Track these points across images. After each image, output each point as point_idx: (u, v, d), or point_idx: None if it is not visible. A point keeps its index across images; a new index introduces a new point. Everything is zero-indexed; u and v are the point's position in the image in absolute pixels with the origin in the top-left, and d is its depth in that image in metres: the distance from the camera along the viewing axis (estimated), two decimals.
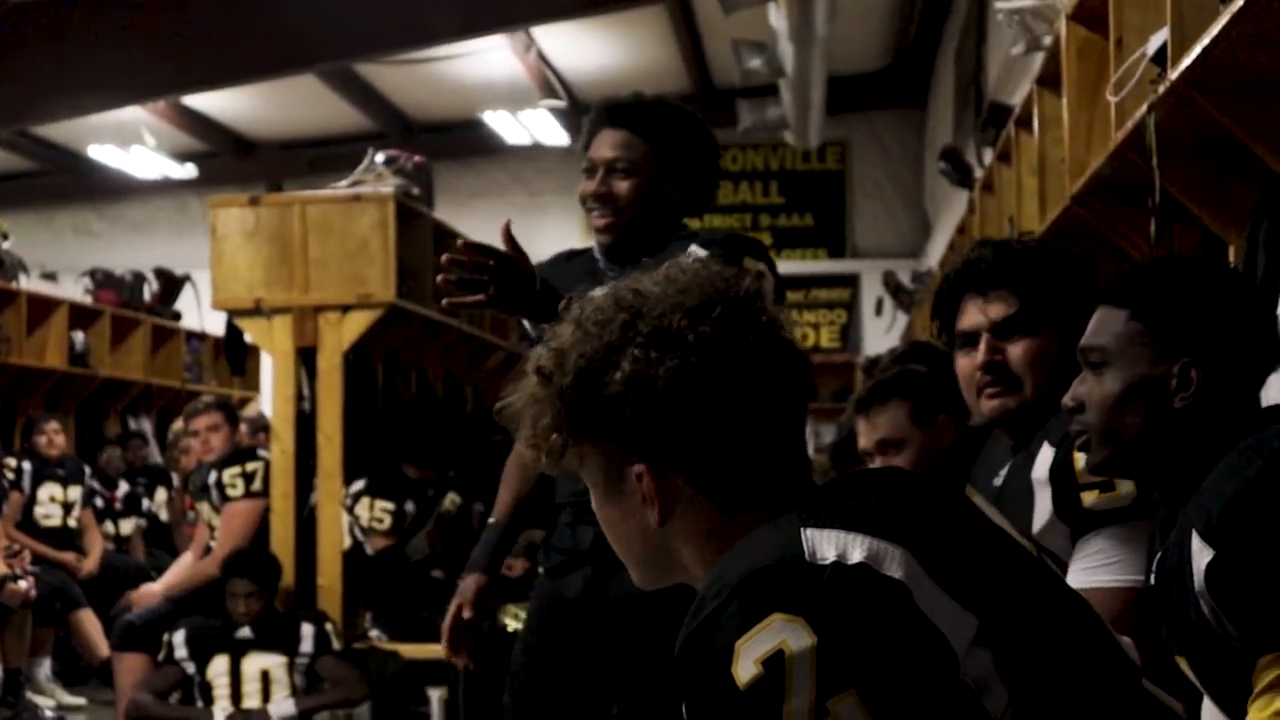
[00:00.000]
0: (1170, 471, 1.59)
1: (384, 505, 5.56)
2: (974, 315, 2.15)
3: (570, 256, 2.86)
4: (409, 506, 5.61)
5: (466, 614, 2.82)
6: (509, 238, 2.45)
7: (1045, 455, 2.00)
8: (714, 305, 1.29)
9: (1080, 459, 1.93)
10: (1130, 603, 1.87)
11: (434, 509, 5.70)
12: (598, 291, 1.37)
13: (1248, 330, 1.63)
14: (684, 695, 1.20)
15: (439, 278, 2.48)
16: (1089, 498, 1.94)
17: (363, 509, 5.52)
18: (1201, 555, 1.42)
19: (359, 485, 5.51)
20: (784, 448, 1.32)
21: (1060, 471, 1.97)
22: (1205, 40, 2.19)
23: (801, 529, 1.20)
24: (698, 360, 1.27)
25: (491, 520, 2.93)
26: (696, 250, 2.58)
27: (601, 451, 1.32)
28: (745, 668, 1.14)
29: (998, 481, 2.16)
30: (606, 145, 2.71)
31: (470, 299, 2.44)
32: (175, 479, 8.26)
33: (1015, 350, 2.11)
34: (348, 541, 5.30)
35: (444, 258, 2.44)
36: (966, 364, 2.16)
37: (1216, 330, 1.60)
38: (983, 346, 2.12)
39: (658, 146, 2.70)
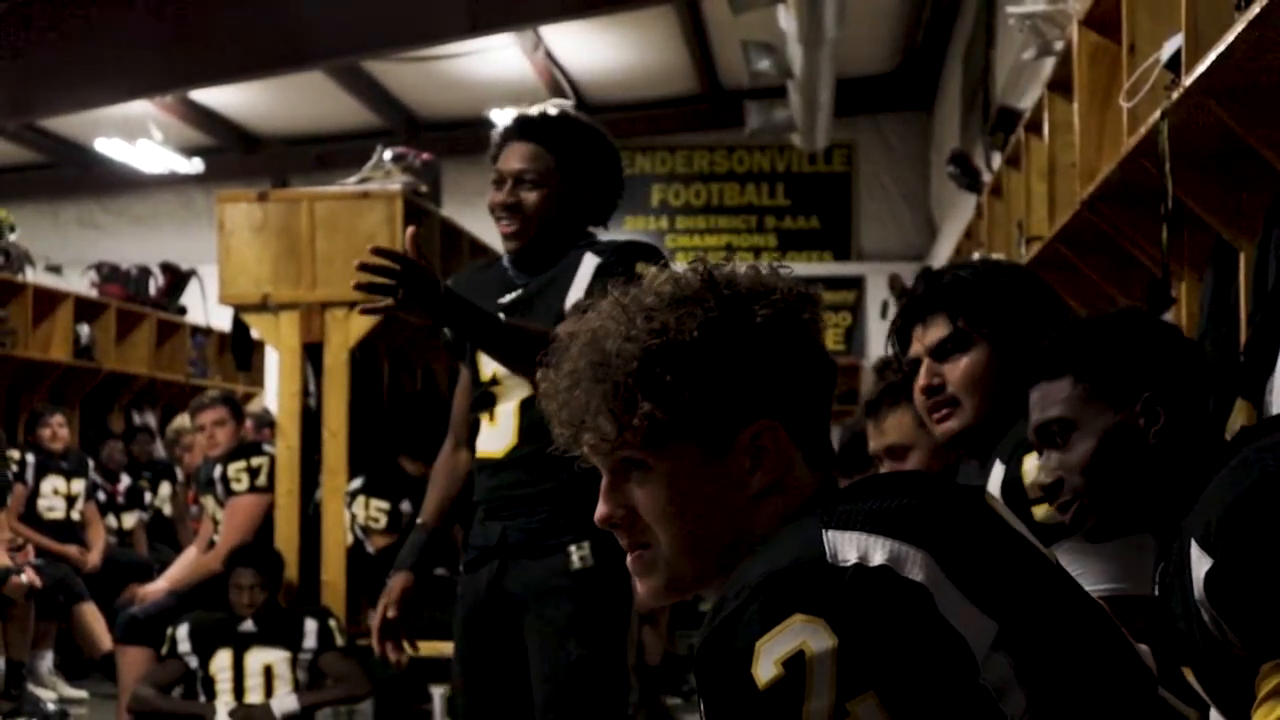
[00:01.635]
0: (1163, 504, 1.60)
1: (379, 505, 5.50)
2: (915, 344, 2.19)
3: (485, 266, 2.98)
4: (405, 506, 5.55)
5: (391, 613, 2.95)
6: (415, 244, 2.51)
7: (996, 472, 2.02)
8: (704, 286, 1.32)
9: (1029, 473, 1.95)
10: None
11: None
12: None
13: (1184, 351, 1.67)
14: (703, 695, 1.20)
15: (352, 283, 2.54)
16: (1040, 512, 1.94)
17: (359, 508, 5.49)
18: (1200, 564, 1.42)
19: (356, 484, 5.48)
20: (825, 414, 1.35)
21: (1010, 488, 1.98)
22: (1220, 47, 2.19)
23: (823, 530, 1.20)
24: (723, 314, 1.30)
25: (420, 521, 3.04)
26: (588, 258, 2.67)
27: (698, 438, 1.29)
28: (765, 668, 1.14)
29: None
30: (515, 157, 2.86)
31: (381, 303, 2.49)
32: (179, 474, 8.26)
33: (952, 371, 2.14)
34: (349, 539, 5.29)
35: (356, 263, 2.51)
36: (915, 391, 2.20)
37: (1158, 359, 1.63)
38: (922, 371, 2.16)
39: (563, 160, 2.84)
